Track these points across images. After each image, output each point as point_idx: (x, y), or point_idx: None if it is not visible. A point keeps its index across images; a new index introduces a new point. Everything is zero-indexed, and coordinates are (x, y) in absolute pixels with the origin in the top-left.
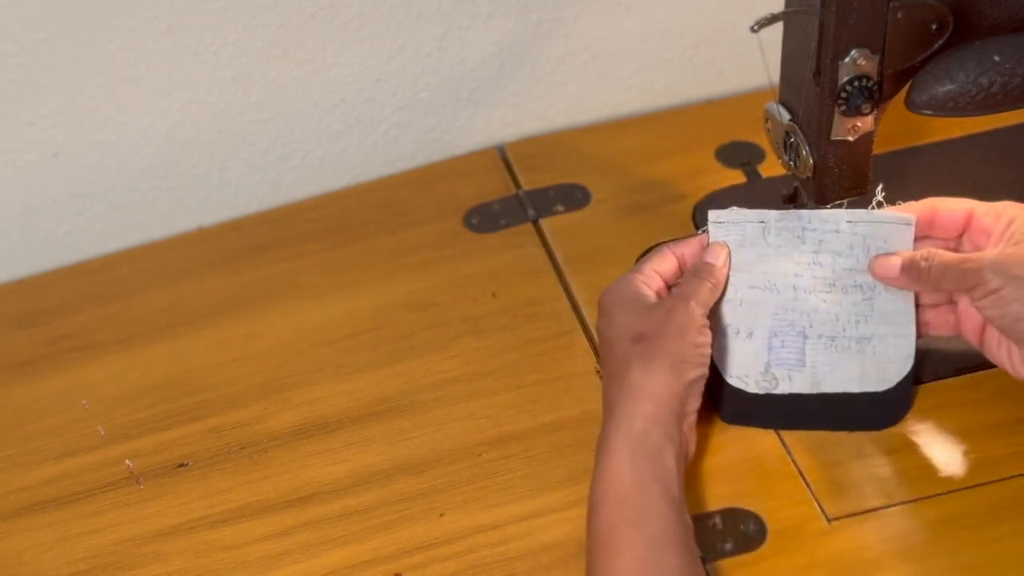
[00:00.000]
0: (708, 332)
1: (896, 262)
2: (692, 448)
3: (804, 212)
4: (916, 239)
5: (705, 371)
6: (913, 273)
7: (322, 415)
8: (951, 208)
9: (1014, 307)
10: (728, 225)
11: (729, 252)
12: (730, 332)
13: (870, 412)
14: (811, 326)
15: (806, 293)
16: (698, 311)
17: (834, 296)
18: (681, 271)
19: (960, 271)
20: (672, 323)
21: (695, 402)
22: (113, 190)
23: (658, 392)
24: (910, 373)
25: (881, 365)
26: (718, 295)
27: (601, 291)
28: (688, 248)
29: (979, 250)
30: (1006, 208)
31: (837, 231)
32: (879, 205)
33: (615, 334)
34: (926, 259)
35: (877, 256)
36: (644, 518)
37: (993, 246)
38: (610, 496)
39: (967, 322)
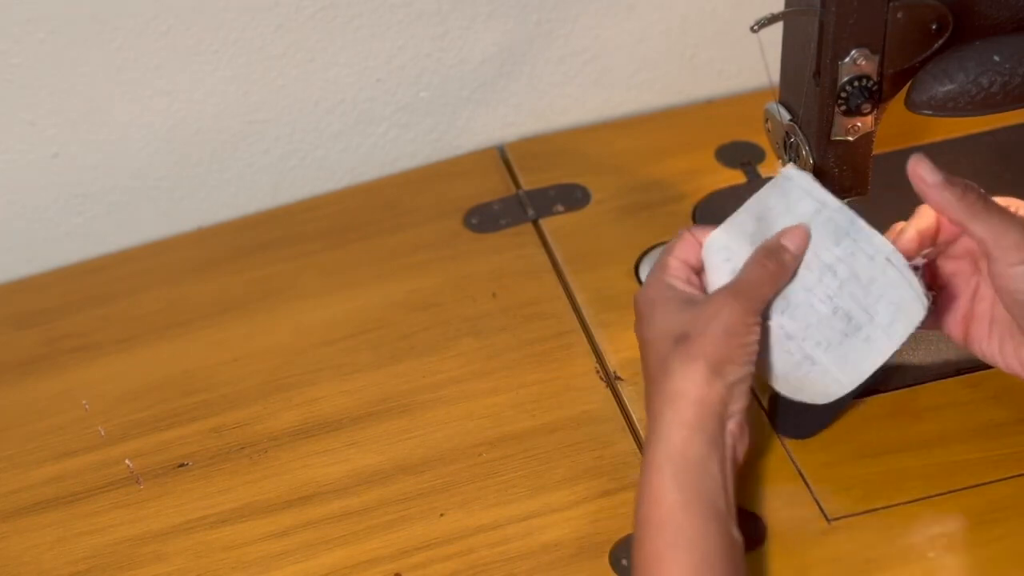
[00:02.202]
0: (757, 329)
1: (939, 172)
2: (743, 449)
3: (859, 221)
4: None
5: (751, 369)
6: (957, 192)
7: (322, 415)
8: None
9: None
10: (794, 188)
11: (808, 238)
12: None
13: (788, 415)
14: (783, 314)
15: (802, 289)
16: (749, 307)
17: (823, 308)
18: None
19: (1001, 222)
20: (717, 321)
21: (740, 402)
22: (113, 190)
23: (699, 396)
24: (820, 410)
25: (805, 389)
26: (780, 285)
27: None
28: (707, 234)
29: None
30: (1008, 203)
31: (871, 258)
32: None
33: (656, 336)
34: (972, 188)
35: (921, 157)
36: (687, 542)
37: None
38: (651, 521)
39: (952, 316)
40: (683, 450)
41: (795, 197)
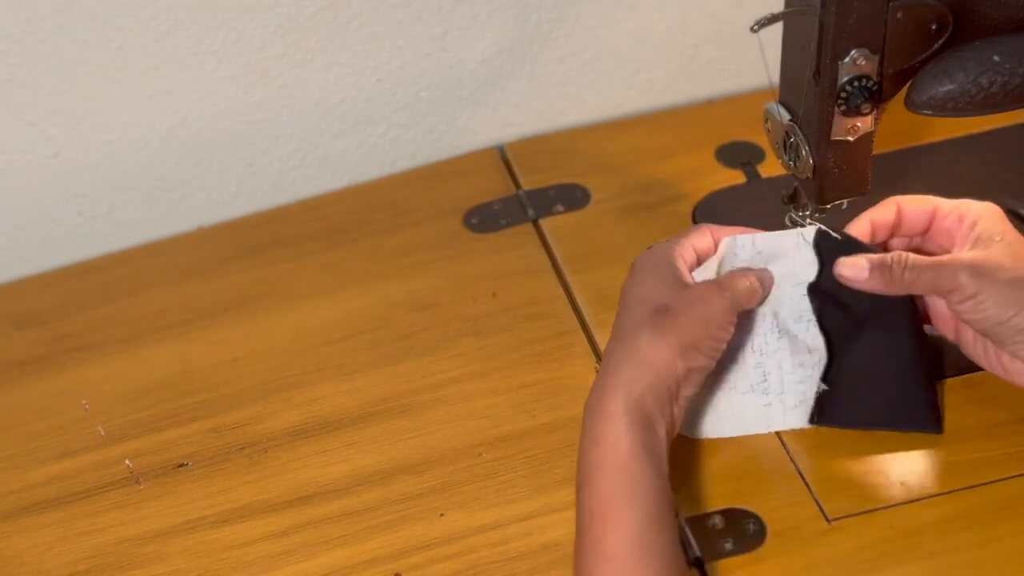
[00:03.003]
0: (730, 330)
1: (864, 263)
2: (673, 433)
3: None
4: (883, 241)
5: (710, 364)
6: (885, 276)
7: (322, 415)
8: (915, 208)
9: (992, 311)
10: (809, 250)
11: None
12: None
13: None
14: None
15: (745, 332)
16: (730, 306)
17: (750, 359)
18: (713, 252)
19: (935, 275)
20: (700, 307)
21: (690, 389)
22: (113, 190)
23: (660, 366)
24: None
25: (695, 419)
26: (756, 302)
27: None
28: (724, 234)
29: (942, 251)
30: (969, 208)
31: (811, 351)
32: None
33: (639, 297)
34: (898, 263)
35: (844, 258)
36: (640, 491)
37: (959, 248)
38: (606, 465)
39: (938, 318)
40: (638, 405)
41: (805, 259)
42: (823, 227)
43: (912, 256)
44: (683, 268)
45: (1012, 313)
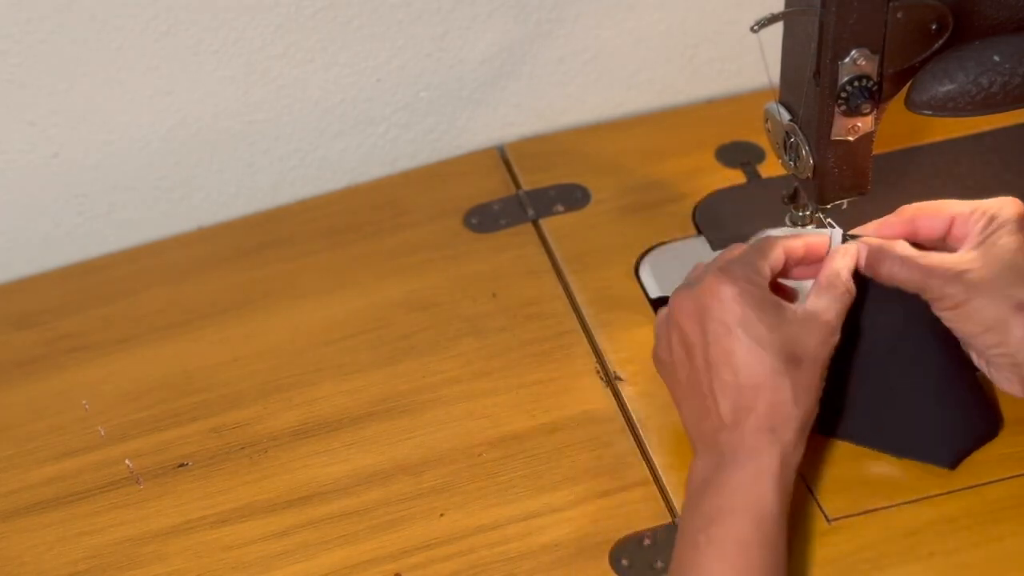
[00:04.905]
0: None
1: (851, 250)
2: None
3: None
4: None
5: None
6: (873, 264)
7: (322, 415)
8: (929, 215)
9: (976, 317)
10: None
11: (855, 258)
12: None
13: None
14: None
15: None
16: (837, 335)
17: None
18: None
19: (923, 276)
20: (825, 351)
21: None
22: (113, 190)
23: (807, 421)
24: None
25: None
26: (848, 306)
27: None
28: (797, 243)
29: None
30: (989, 206)
31: None
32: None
33: (756, 338)
34: (889, 253)
35: (838, 247)
36: (774, 546)
37: (968, 243)
38: (750, 511)
39: None
40: (785, 469)
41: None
42: (842, 231)
43: (908, 251)
44: (773, 297)
45: (981, 330)
